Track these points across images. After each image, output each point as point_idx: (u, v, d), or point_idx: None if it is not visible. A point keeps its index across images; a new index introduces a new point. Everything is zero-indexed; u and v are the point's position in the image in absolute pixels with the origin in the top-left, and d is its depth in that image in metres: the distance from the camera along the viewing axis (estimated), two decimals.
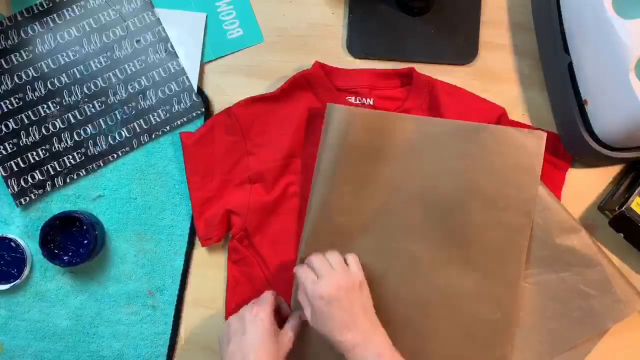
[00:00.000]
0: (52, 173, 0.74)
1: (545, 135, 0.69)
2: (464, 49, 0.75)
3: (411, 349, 0.64)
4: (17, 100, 0.74)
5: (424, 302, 0.68)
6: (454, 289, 0.68)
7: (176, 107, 0.75)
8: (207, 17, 0.75)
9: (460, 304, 0.68)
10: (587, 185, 0.74)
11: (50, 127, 0.74)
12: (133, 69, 0.75)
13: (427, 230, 0.68)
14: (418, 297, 0.68)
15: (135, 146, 0.74)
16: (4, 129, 0.73)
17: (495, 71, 0.76)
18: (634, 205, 0.67)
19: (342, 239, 0.68)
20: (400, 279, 0.68)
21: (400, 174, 0.69)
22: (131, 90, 0.74)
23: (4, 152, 0.73)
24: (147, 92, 0.75)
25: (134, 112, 0.74)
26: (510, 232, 0.68)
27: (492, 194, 0.68)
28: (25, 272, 0.72)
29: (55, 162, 0.74)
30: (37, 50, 0.74)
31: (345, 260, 0.65)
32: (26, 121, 0.74)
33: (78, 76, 0.74)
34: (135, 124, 0.74)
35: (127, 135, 0.74)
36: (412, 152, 0.69)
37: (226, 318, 0.72)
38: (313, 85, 0.73)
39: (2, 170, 0.73)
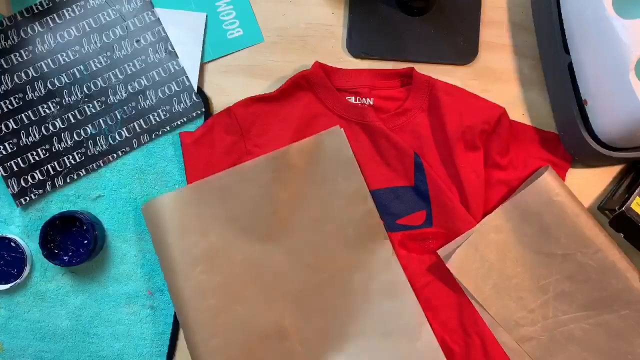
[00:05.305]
0: (52, 173, 0.74)
1: (338, 127, 0.71)
2: (464, 49, 0.75)
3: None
4: (17, 100, 0.74)
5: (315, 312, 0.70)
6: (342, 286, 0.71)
7: (176, 107, 0.75)
8: (207, 17, 0.75)
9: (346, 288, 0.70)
10: (587, 185, 0.74)
11: (50, 127, 0.74)
12: (133, 69, 0.75)
13: (293, 264, 0.70)
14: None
15: (135, 146, 0.74)
16: (4, 129, 0.73)
17: (495, 71, 0.76)
18: (634, 205, 0.67)
19: (220, 315, 0.69)
20: (292, 313, 0.70)
21: (236, 229, 0.70)
22: (131, 90, 0.74)
23: (4, 152, 0.73)
24: (147, 92, 0.75)
25: (134, 112, 0.74)
26: (365, 217, 0.70)
27: (327, 198, 0.70)
28: (25, 272, 0.72)
29: (55, 162, 0.74)
30: (37, 50, 0.74)
31: None
32: (26, 121, 0.74)
33: (78, 76, 0.74)
34: (135, 124, 0.74)
35: (127, 135, 0.74)
36: (236, 205, 0.70)
37: None
38: (313, 86, 0.73)
39: (2, 170, 0.73)
